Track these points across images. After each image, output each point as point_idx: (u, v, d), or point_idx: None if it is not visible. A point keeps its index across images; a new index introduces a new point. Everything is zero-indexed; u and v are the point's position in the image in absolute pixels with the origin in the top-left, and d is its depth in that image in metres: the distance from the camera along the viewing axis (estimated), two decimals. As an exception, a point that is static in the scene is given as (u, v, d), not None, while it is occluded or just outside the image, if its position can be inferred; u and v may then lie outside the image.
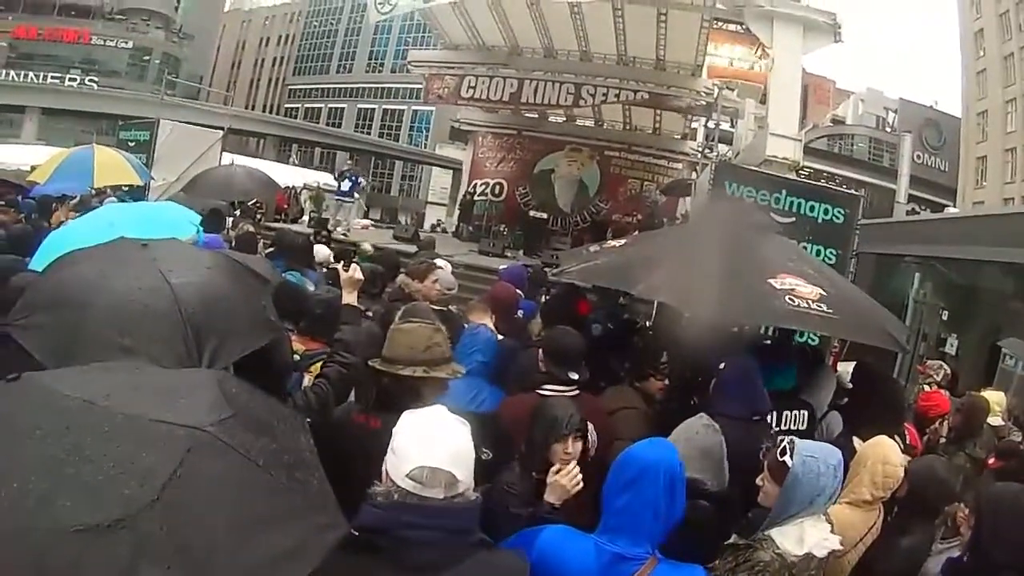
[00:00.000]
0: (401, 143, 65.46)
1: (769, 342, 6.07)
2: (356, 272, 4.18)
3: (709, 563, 2.84)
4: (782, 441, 3.18)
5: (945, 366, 8.16)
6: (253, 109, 72.30)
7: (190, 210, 5.68)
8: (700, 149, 25.23)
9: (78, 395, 1.64)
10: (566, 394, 4.03)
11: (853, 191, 7.96)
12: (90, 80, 57.83)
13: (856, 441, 4.04)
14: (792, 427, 4.47)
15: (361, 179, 20.99)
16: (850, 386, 5.26)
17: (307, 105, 76.73)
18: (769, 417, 4.39)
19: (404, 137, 68.67)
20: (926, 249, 17.73)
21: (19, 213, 9.88)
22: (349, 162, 27.58)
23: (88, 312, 2.40)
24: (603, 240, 8.08)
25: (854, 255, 7.34)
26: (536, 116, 27.84)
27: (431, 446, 2.09)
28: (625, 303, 8.00)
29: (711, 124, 20.79)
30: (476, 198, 27.44)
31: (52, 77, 56.16)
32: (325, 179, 32.03)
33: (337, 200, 20.91)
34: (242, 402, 1.83)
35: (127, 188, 12.49)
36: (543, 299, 8.01)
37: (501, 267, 9.16)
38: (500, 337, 5.13)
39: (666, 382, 4.94)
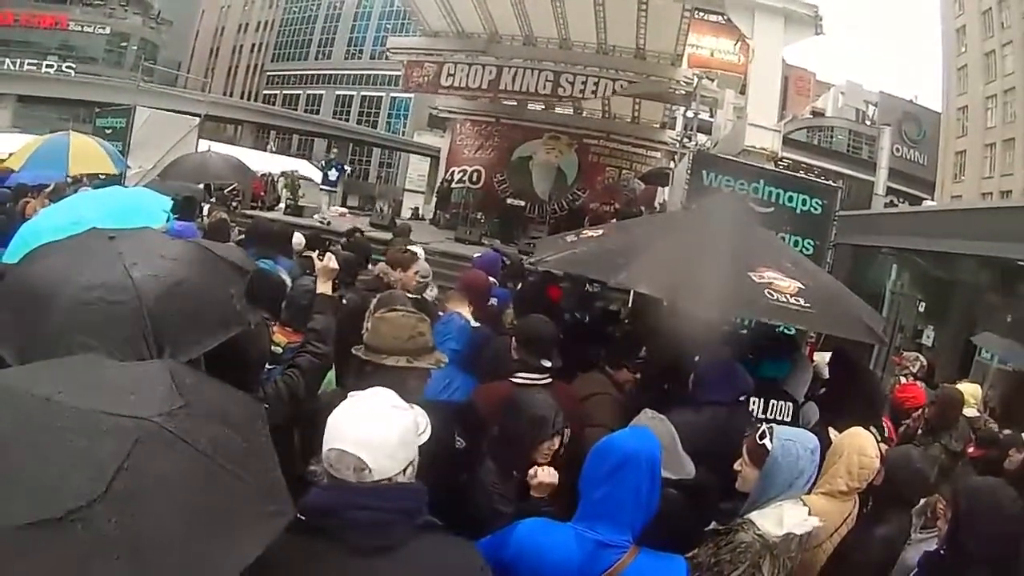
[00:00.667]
0: (379, 130, 65.03)
1: (746, 332, 6.07)
2: (331, 261, 4.12)
3: (682, 553, 2.82)
4: (761, 426, 3.25)
5: (921, 357, 8.20)
6: (231, 96, 71.55)
7: (163, 196, 5.59)
8: (679, 138, 25.20)
9: (30, 391, 1.64)
10: (539, 382, 4.03)
11: (832, 182, 7.90)
12: (67, 67, 57.13)
13: (832, 432, 4.03)
14: (779, 417, 4.53)
15: (346, 167, 20.99)
16: (827, 376, 5.26)
17: (286, 92, 76.15)
18: (757, 405, 4.50)
19: (383, 124, 68.25)
20: (904, 241, 17.88)
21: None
22: (335, 150, 27.45)
23: (49, 308, 2.39)
24: (580, 228, 8.01)
25: (832, 246, 7.36)
26: (515, 104, 27.71)
27: (344, 430, 2.10)
28: (595, 291, 7.96)
29: (690, 114, 20.75)
30: (453, 185, 27.28)
31: (28, 64, 55.48)
32: (303, 166, 31.75)
33: (324, 189, 20.81)
34: (194, 392, 1.81)
35: (103, 177, 12.32)
36: (518, 287, 7.95)
37: (475, 255, 9.08)
38: (475, 325, 5.10)
39: (638, 376, 4.92)
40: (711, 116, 23.92)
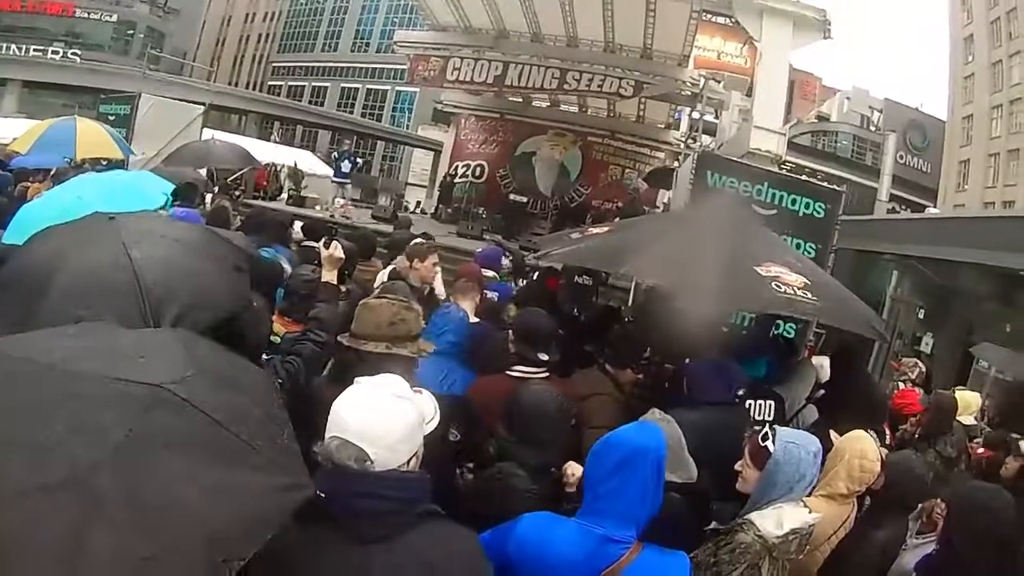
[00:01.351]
0: (384, 123, 65.02)
1: (744, 333, 6.07)
2: (337, 250, 4.10)
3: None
4: (762, 428, 3.23)
5: (920, 364, 8.19)
6: (236, 85, 71.48)
7: (164, 180, 5.59)
8: (683, 139, 25.21)
9: (34, 358, 1.64)
10: (535, 376, 4.00)
11: (835, 187, 7.89)
12: (72, 53, 57.07)
13: (833, 435, 4.03)
14: (759, 417, 4.50)
15: (358, 159, 20.73)
16: (825, 379, 5.26)
17: (291, 83, 76.14)
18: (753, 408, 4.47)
19: (387, 118, 68.27)
20: (905, 248, 17.85)
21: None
22: (348, 142, 27.24)
23: (47, 287, 2.40)
24: (582, 225, 8.00)
25: (833, 250, 7.32)
26: (520, 100, 27.66)
27: (345, 419, 2.08)
28: (588, 283, 7.95)
29: (695, 115, 20.74)
30: (456, 180, 27.13)
31: (34, 50, 55.44)
32: (307, 158, 31.70)
33: (336, 182, 20.60)
34: (206, 360, 1.83)
35: (106, 162, 12.29)
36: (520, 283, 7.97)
37: (477, 250, 9.08)
38: (473, 320, 5.08)
39: (641, 376, 4.89)
40: (716, 118, 23.90)
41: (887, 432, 5.58)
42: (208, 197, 11.46)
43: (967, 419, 7.07)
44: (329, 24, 76.64)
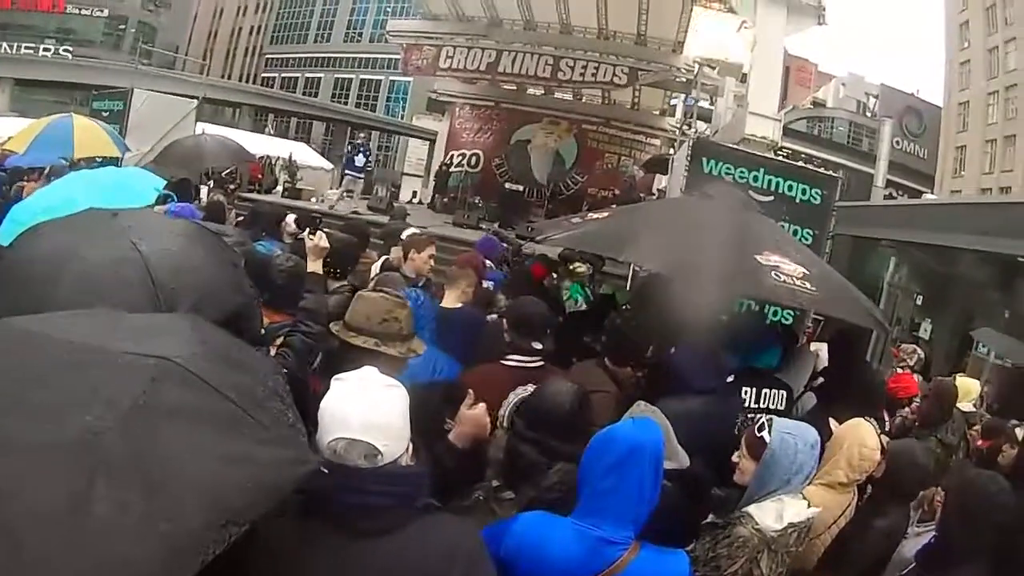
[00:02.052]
0: (378, 114, 64.94)
1: (758, 322, 6.06)
2: (322, 240, 4.05)
3: (677, 545, 2.78)
4: (760, 418, 3.24)
5: (919, 350, 8.19)
6: (230, 78, 71.33)
7: (155, 176, 5.57)
8: (678, 126, 25.15)
9: (41, 331, 1.68)
10: (529, 364, 3.99)
11: (831, 173, 7.85)
12: (64, 50, 56.95)
13: (832, 423, 3.99)
14: (771, 406, 4.51)
15: (369, 153, 20.56)
16: (823, 367, 5.25)
17: (284, 74, 76.00)
18: (749, 395, 4.48)
19: (381, 108, 68.15)
20: (903, 234, 17.86)
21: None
22: (362, 135, 27.09)
23: (56, 282, 2.35)
24: (580, 213, 7.99)
25: (830, 236, 7.33)
26: (514, 88, 27.75)
27: (348, 417, 2.04)
28: (583, 270, 7.93)
29: (690, 101, 20.69)
30: (452, 169, 27.20)
31: (26, 47, 55.29)
32: (302, 150, 31.62)
33: (350, 176, 20.31)
34: (213, 341, 1.86)
35: (100, 160, 12.19)
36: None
37: (475, 239, 9.10)
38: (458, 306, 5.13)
39: (640, 374, 4.84)
40: (711, 104, 23.84)
41: (886, 418, 5.56)
42: (204, 191, 11.40)
43: (966, 406, 7.07)
44: (321, 15, 76.42)
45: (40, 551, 1.27)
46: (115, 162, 12.12)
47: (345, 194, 19.51)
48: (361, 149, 20.44)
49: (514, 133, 28.07)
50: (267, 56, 78.94)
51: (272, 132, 48.65)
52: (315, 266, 3.98)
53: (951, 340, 16.67)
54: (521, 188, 25.30)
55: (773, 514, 2.92)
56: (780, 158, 10.43)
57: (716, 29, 17.24)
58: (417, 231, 7.18)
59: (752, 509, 2.97)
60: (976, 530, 2.96)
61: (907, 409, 6.73)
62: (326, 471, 1.97)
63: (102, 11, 69.88)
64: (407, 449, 2.12)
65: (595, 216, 6.29)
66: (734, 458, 3.17)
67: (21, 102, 45.46)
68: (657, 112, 28.18)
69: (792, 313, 6.68)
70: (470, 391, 3.19)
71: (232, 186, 19.14)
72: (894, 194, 42.70)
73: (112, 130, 13.06)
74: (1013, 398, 8.16)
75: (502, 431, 3.43)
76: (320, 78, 73.78)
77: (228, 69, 78.98)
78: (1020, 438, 5.90)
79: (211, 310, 2.42)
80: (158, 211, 3.73)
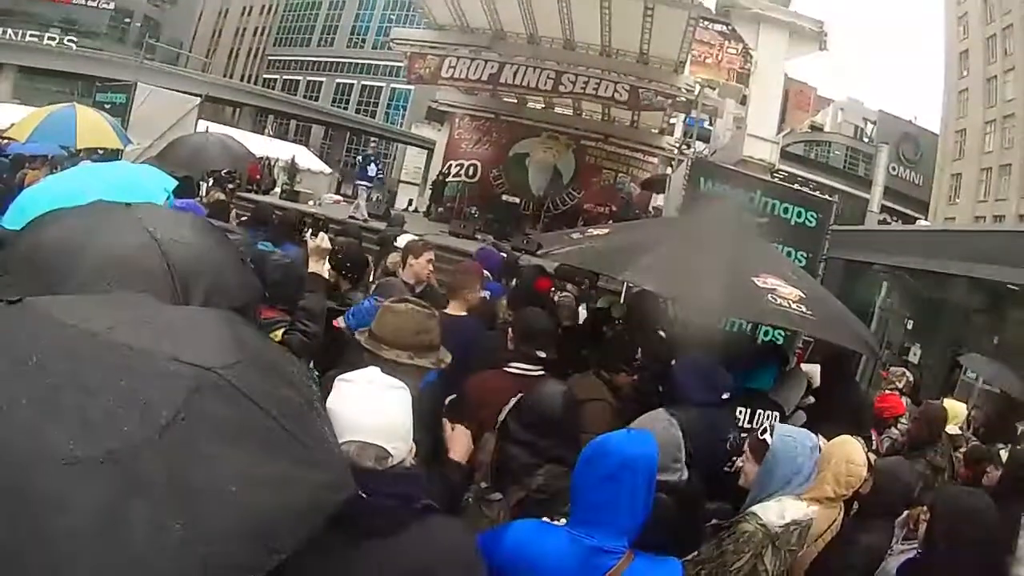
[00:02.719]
0: (378, 120, 64.76)
1: (754, 342, 6.11)
2: (324, 241, 4.12)
3: (670, 556, 2.77)
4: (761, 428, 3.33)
5: (908, 373, 8.23)
6: (232, 78, 70.96)
7: (166, 175, 5.60)
8: (677, 145, 25.27)
9: (80, 325, 1.61)
10: (531, 373, 4.02)
11: (827, 196, 7.94)
12: (69, 40, 56.58)
13: (820, 440, 4.07)
14: (765, 426, 4.49)
15: (381, 163, 20.59)
16: (815, 387, 5.29)
17: (286, 77, 75.74)
18: (744, 415, 4.49)
19: (381, 115, 67.85)
20: (895, 259, 17.92)
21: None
22: (374, 143, 27.04)
23: (73, 268, 2.38)
24: (579, 228, 8.04)
25: (823, 259, 7.37)
26: (515, 101, 27.79)
27: (359, 420, 2.06)
28: (580, 284, 7.98)
29: (691, 121, 20.80)
30: (449, 179, 27.29)
31: (30, 35, 54.95)
32: (301, 152, 31.62)
33: (361, 185, 20.46)
34: (253, 345, 1.81)
35: (102, 151, 12.22)
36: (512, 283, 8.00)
37: (474, 249, 9.13)
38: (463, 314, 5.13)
39: (635, 378, 4.91)
40: (710, 125, 23.97)
41: (874, 437, 5.62)
42: (203, 188, 11.41)
43: (952, 429, 7.11)
44: (326, 19, 76.25)
45: (79, 570, 1.27)
46: (117, 154, 12.16)
47: (361, 203, 19.58)
48: (373, 159, 20.71)
49: (513, 146, 28.06)
50: (270, 58, 78.72)
51: (271, 133, 48.53)
52: (316, 266, 4.05)
53: (940, 364, 16.73)
54: (518, 200, 25.21)
55: (776, 512, 3.01)
56: (776, 180, 10.53)
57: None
58: (415, 238, 7.22)
59: (756, 508, 3.06)
60: (960, 545, 2.99)
61: (896, 431, 6.79)
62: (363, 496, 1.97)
63: (108, 3, 69.49)
64: (411, 450, 2.15)
65: (595, 232, 6.35)
66: (739, 462, 3.26)
67: (24, 90, 45.14)
68: (656, 130, 28.06)
69: (783, 334, 6.76)
70: (445, 420, 3.18)
71: (231, 185, 19.12)
72: (889, 219, 42.75)
73: (115, 122, 13.01)
74: (999, 423, 8.26)
75: (490, 435, 3.42)
76: (322, 82, 73.52)
77: (230, 69, 78.73)
78: (1004, 460, 5.96)
79: (221, 301, 2.45)
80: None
